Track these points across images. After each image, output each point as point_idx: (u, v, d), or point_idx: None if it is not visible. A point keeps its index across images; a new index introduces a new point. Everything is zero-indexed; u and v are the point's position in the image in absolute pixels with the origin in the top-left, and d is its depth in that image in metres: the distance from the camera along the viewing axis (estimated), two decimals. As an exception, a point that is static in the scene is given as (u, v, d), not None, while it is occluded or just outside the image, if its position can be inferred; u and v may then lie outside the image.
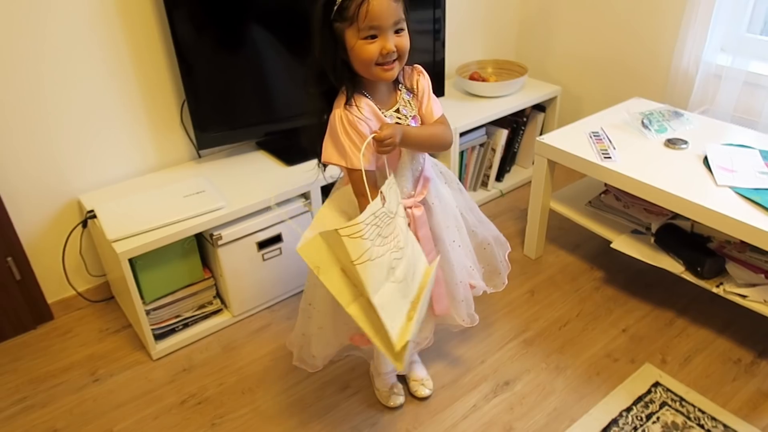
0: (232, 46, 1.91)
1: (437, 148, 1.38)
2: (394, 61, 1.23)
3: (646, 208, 1.95)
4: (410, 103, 1.33)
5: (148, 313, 1.80)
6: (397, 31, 1.20)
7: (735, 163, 1.75)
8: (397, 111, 1.30)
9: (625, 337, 1.85)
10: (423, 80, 1.37)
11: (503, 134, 2.50)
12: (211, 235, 1.80)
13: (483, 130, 2.48)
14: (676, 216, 1.88)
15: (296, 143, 2.07)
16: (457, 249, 1.50)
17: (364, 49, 1.19)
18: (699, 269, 1.72)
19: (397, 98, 1.32)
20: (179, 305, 1.88)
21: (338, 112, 1.25)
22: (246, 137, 2.13)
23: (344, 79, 1.26)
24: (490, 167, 2.57)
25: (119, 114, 1.92)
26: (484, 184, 2.62)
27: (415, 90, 1.35)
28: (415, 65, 1.37)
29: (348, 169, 1.26)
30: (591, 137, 1.96)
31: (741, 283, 1.68)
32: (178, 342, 1.88)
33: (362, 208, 1.23)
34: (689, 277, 1.75)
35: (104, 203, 1.84)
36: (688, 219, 1.85)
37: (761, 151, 1.81)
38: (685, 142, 1.88)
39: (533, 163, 2.05)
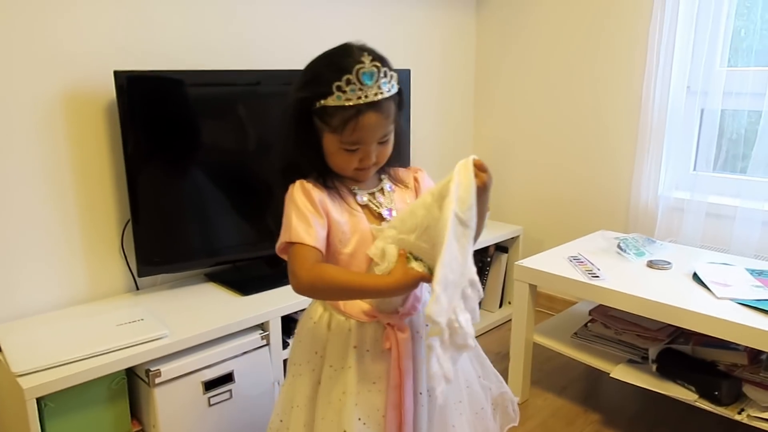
0: (185, 175, 1.79)
1: None
2: (372, 165, 1.12)
3: (639, 333, 1.80)
4: (390, 196, 1.19)
5: (51, 478, 1.38)
6: (381, 142, 1.10)
7: (727, 278, 1.68)
8: (372, 195, 1.16)
9: (642, 488, 1.58)
10: (423, 176, 1.24)
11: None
12: (147, 372, 1.47)
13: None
14: (674, 340, 1.73)
15: (249, 274, 1.91)
16: (452, 404, 1.24)
17: (342, 158, 1.09)
18: (716, 393, 1.53)
19: (377, 184, 1.19)
20: (95, 468, 1.47)
21: (295, 184, 1.10)
22: (194, 267, 1.90)
23: (316, 169, 1.12)
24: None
25: (47, 235, 1.66)
26: (451, 330, 2.41)
27: (415, 185, 1.22)
28: (414, 167, 1.26)
29: (289, 245, 1.06)
30: (572, 261, 1.86)
31: (765, 407, 1.49)
32: None
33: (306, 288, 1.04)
34: (705, 404, 1.55)
35: (14, 333, 1.50)
36: (687, 342, 1.70)
37: (746, 269, 1.75)
38: (668, 263, 1.81)
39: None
